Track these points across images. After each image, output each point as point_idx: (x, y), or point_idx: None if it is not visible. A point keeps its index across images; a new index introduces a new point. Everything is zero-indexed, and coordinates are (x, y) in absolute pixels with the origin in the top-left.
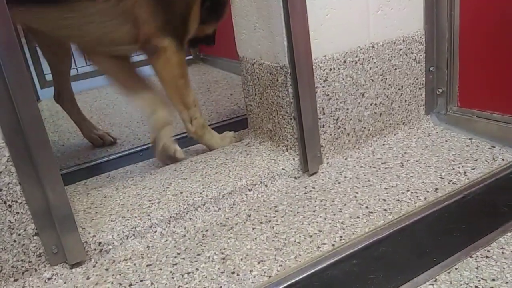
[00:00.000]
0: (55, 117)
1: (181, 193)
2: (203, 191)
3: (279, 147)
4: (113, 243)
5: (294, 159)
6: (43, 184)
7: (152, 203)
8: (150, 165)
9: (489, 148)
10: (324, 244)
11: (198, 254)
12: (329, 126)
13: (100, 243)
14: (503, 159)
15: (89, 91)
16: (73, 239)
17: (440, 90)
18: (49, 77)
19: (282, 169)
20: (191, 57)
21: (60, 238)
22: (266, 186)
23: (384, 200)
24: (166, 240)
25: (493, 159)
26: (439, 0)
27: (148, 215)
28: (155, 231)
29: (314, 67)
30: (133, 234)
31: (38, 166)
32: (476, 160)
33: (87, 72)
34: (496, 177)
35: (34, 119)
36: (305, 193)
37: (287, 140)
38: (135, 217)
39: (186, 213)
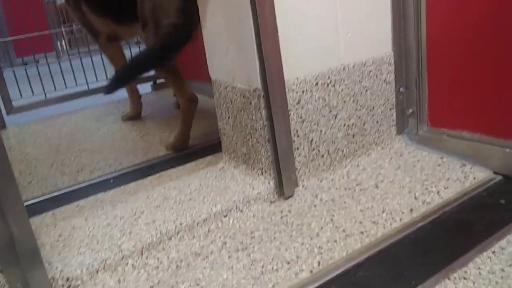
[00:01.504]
0: (22, 144)
1: (154, 222)
2: (177, 219)
3: (254, 171)
4: (82, 278)
5: (269, 182)
6: (6, 217)
7: (123, 234)
8: (121, 193)
9: (461, 167)
10: (302, 270)
11: (172, 287)
12: (304, 149)
13: (68, 278)
14: (474, 178)
15: (59, 117)
16: (39, 275)
17: (410, 111)
18: (16, 103)
19: (258, 193)
20: (163, 80)
21: (25, 275)
22: (241, 211)
23: (361, 222)
24: (139, 273)
25: (465, 177)
26: (406, 22)
27: (119, 247)
28: (127, 264)
29: (287, 90)
30: (104, 268)
31: (0, 198)
32: (448, 179)
33: (56, 97)
34: (469, 195)
35: None
36: (281, 217)
37: (262, 164)
38: (105, 249)
39: (159, 243)
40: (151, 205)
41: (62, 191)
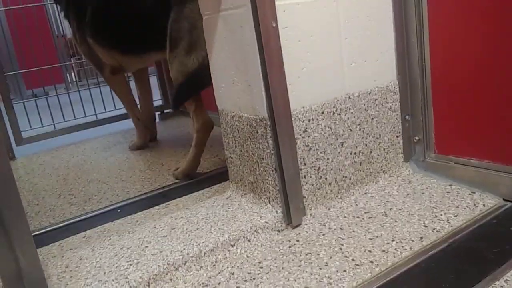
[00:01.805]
0: (30, 175)
1: (161, 252)
2: (184, 249)
3: (261, 200)
4: None
5: (276, 211)
6: (14, 248)
7: (130, 264)
8: (128, 223)
9: (469, 194)
10: None
11: None
12: (311, 177)
13: None
14: (484, 205)
15: (67, 147)
16: None
17: (417, 138)
18: (25, 134)
19: (265, 222)
20: (170, 110)
21: None
22: (249, 241)
23: (370, 251)
24: None
25: (474, 205)
26: (410, 51)
27: (126, 278)
28: None
29: (293, 119)
30: None
31: (8, 229)
32: (457, 207)
33: (64, 127)
34: (479, 223)
35: (5, 179)
36: (290, 246)
37: (269, 192)
38: (112, 280)
39: (166, 274)
40: (158, 235)
41: (70, 221)
